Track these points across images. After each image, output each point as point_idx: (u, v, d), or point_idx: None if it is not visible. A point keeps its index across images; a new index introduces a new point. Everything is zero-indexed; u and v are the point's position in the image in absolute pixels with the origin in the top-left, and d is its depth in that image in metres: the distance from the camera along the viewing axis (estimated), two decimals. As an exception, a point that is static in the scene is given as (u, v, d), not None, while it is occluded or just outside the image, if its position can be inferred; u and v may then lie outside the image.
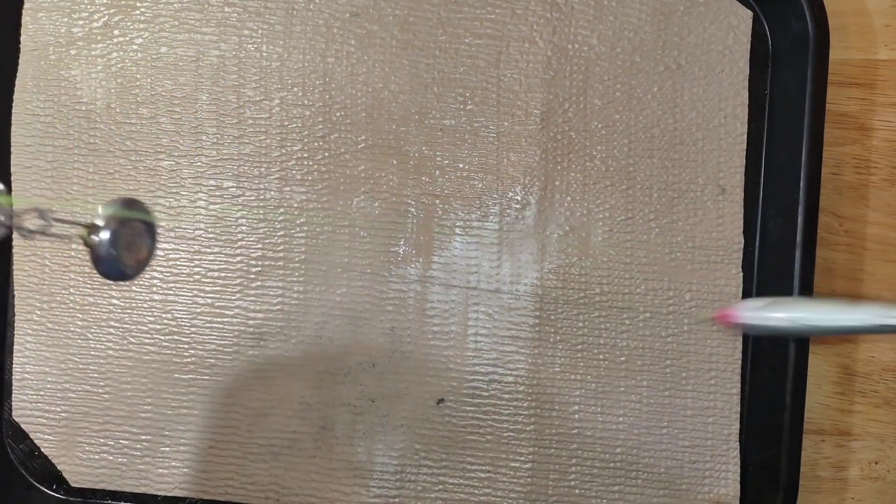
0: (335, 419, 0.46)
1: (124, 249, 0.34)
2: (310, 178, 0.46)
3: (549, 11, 0.46)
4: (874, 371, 0.48)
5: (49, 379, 0.47)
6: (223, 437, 0.47)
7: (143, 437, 0.47)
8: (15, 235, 0.47)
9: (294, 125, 0.46)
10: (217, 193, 0.46)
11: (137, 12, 0.47)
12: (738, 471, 0.46)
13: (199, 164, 0.46)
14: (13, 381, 0.47)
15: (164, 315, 0.46)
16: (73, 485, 0.47)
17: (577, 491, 0.46)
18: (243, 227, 0.46)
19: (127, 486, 0.47)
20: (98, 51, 0.47)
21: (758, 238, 0.46)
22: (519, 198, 0.46)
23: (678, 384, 0.46)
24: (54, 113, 0.47)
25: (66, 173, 0.47)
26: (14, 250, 0.47)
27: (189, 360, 0.46)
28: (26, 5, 0.47)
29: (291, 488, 0.46)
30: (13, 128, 0.47)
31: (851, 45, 0.47)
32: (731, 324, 0.38)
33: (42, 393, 0.47)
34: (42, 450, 0.47)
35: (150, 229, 0.36)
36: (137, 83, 0.47)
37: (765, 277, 0.46)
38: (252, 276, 0.46)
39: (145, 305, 0.46)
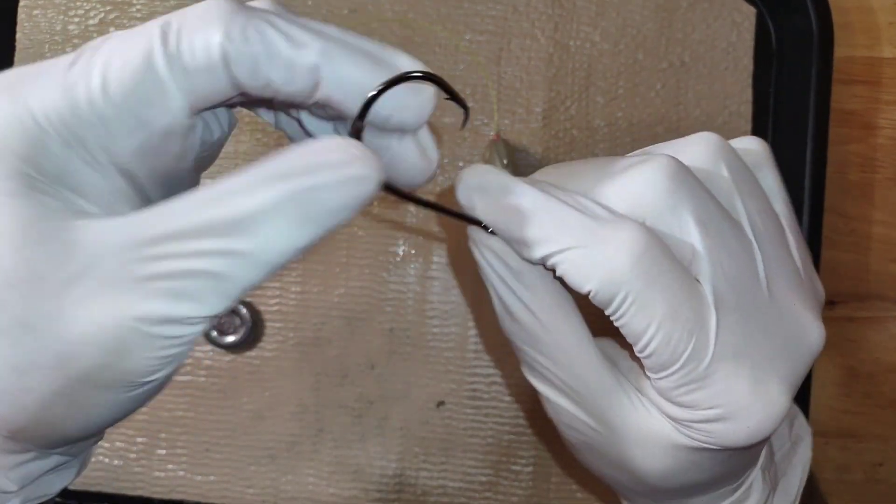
0: (333, 422, 0.46)
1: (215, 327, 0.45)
2: (308, 176, 0.46)
3: (551, 7, 0.45)
4: (879, 372, 0.47)
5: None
6: (220, 440, 0.46)
7: (139, 440, 0.46)
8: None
9: (292, 123, 0.46)
10: (214, 192, 0.46)
11: (133, 9, 0.46)
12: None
13: (195, 162, 0.46)
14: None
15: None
16: (69, 488, 0.46)
17: (578, 495, 0.45)
18: (240, 227, 0.46)
19: (123, 490, 0.46)
20: (93, 48, 0.46)
21: (762, 237, 0.45)
22: (520, 197, 0.45)
23: (681, 386, 0.45)
24: (49, 111, 0.46)
25: (61, 172, 0.46)
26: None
27: (186, 361, 0.46)
28: (22, 2, 0.46)
29: (289, 492, 0.46)
30: (7, 126, 0.46)
31: (856, 43, 0.47)
32: None
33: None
34: (36, 453, 0.47)
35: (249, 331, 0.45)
36: (133, 81, 0.46)
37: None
38: (249, 277, 0.46)
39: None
